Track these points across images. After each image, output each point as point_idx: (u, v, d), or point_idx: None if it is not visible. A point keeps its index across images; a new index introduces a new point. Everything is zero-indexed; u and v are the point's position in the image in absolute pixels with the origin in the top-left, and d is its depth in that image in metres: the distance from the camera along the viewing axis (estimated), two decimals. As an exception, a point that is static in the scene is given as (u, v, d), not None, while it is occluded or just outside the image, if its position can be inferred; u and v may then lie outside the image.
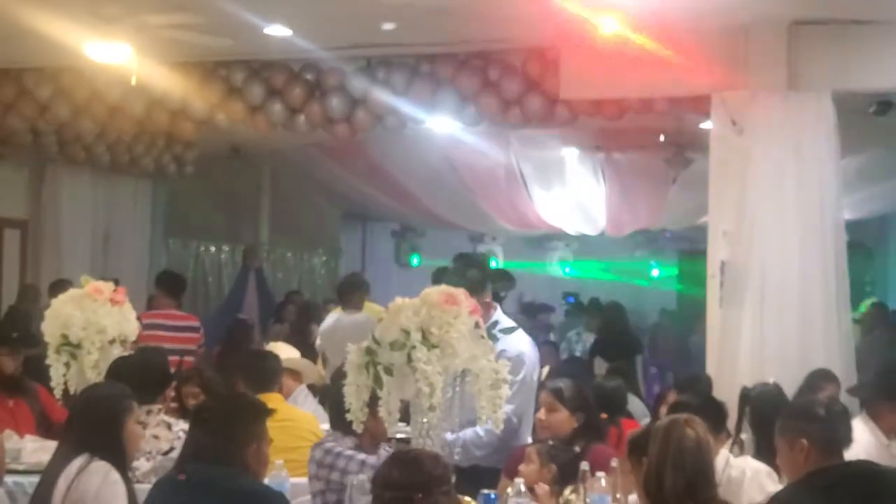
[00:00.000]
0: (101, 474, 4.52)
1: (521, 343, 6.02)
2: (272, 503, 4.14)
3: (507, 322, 6.02)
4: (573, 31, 7.87)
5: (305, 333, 11.41)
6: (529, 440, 5.88)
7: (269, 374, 6.61)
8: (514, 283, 7.12)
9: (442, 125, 10.21)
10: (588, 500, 4.80)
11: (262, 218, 15.45)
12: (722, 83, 7.73)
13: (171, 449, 5.51)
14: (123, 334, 6.30)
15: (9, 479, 5.69)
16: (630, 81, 8.25)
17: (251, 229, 15.49)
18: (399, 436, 5.22)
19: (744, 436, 5.47)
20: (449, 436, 5.07)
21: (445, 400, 4.45)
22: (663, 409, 6.38)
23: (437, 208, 14.77)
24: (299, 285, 15.60)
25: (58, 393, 6.19)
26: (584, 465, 4.90)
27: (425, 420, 4.44)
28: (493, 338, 4.66)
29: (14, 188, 12.08)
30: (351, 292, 9.87)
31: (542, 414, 5.60)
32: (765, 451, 4.98)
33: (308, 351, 9.38)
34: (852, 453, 4.44)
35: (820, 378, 6.69)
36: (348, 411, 4.67)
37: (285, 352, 7.67)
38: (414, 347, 4.34)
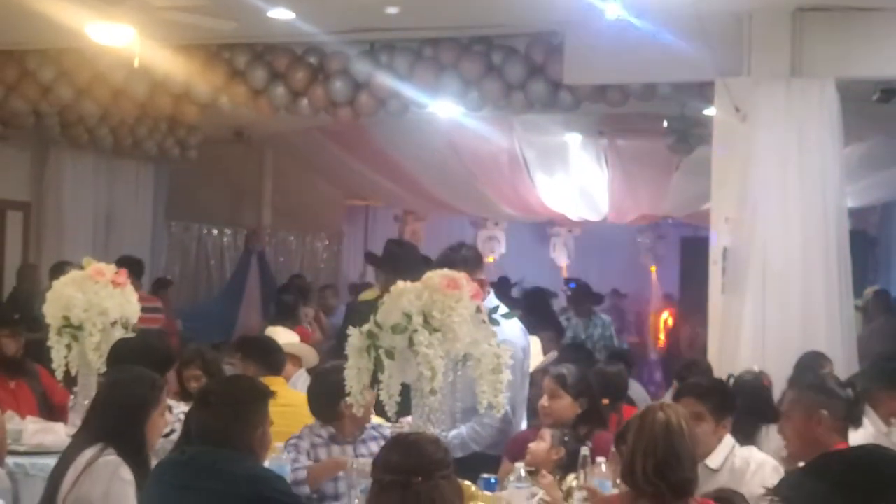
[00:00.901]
0: (108, 472, 4.37)
1: (511, 330, 5.95)
2: (273, 486, 4.13)
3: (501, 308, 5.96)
4: (577, 17, 7.87)
5: (296, 316, 11.37)
6: (524, 427, 5.85)
7: (280, 358, 6.75)
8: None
9: (445, 109, 10.21)
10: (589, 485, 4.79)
11: (264, 201, 15.43)
12: (725, 69, 7.73)
13: (172, 431, 5.49)
14: (125, 316, 6.30)
15: (10, 460, 5.71)
16: (633, 67, 8.25)
17: (254, 213, 15.47)
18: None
19: None
20: (448, 435, 5.05)
21: (446, 384, 4.44)
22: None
23: (439, 193, 14.73)
24: (301, 269, 15.59)
25: (59, 375, 6.21)
26: (585, 451, 4.88)
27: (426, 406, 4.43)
28: (495, 322, 4.64)
29: (17, 170, 12.06)
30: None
31: (544, 401, 5.48)
32: (740, 439, 4.96)
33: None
34: (852, 442, 4.44)
35: (814, 359, 6.67)
36: (331, 399, 4.95)
37: (284, 336, 7.68)
38: (416, 331, 4.33)
